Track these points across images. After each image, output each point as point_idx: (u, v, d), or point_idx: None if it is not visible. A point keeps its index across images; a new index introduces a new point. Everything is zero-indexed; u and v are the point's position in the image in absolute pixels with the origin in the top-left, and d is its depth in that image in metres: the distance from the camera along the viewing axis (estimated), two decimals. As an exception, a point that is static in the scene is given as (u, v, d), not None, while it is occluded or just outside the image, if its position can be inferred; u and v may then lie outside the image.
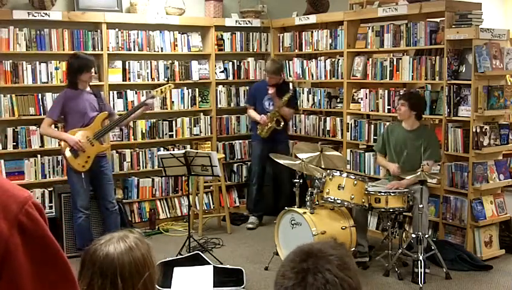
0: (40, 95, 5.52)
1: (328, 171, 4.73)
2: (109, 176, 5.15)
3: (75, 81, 4.88)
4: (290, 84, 5.98)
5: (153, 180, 6.18)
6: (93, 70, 4.95)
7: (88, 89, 4.99)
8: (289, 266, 1.25)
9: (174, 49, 6.24)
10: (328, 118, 6.31)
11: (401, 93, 5.23)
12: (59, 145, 5.46)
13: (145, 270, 1.64)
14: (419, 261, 4.36)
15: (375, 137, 5.66)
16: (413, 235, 4.59)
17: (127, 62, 5.97)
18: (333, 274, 1.21)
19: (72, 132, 4.84)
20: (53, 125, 5.11)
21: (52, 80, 5.57)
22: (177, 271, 3.98)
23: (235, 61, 6.71)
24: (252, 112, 6.14)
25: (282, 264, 1.29)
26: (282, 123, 5.91)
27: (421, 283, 4.28)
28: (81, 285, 1.62)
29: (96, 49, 5.71)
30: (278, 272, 1.27)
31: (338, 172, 4.73)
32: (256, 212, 6.20)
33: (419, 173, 4.46)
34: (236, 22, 6.61)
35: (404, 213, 4.91)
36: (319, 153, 4.91)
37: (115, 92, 5.90)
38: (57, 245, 1.14)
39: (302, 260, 1.25)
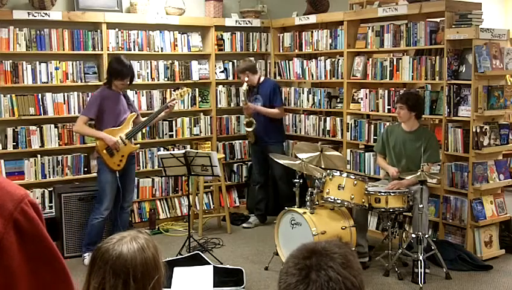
0: (40, 95, 5.52)
1: (328, 171, 4.73)
2: (134, 176, 5.29)
3: (111, 83, 4.94)
4: (245, 83, 5.91)
5: (153, 180, 6.18)
6: (126, 80, 4.96)
7: (120, 91, 5.07)
8: (292, 262, 1.26)
9: (174, 49, 6.24)
10: (328, 118, 6.31)
11: (399, 95, 5.17)
12: (65, 145, 5.47)
13: (155, 271, 1.65)
14: (419, 261, 4.36)
15: (375, 137, 5.66)
16: (413, 235, 4.59)
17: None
18: (336, 272, 1.21)
19: (106, 132, 4.90)
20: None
21: (52, 80, 5.57)
22: (177, 271, 3.98)
23: (235, 61, 6.71)
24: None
25: (286, 261, 1.29)
26: (254, 126, 5.92)
27: (421, 283, 4.28)
28: (93, 283, 1.62)
29: (96, 49, 5.71)
30: (282, 269, 1.28)
31: (338, 172, 4.73)
32: (256, 212, 6.21)
33: (419, 173, 4.46)
34: (236, 22, 6.61)
35: (404, 213, 4.92)
36: (319, 153, 4.91)
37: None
38: (53, 244, 1.13)
39: (305, 257, 1.25)
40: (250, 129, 5.96)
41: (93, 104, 4.94)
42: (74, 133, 5.63)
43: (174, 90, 5.48)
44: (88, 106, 5.03)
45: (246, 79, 5.90)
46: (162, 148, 6.20)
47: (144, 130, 6.07)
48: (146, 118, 5.19)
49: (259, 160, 6.07)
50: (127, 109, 5.08)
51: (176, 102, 5.41)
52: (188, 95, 6.10)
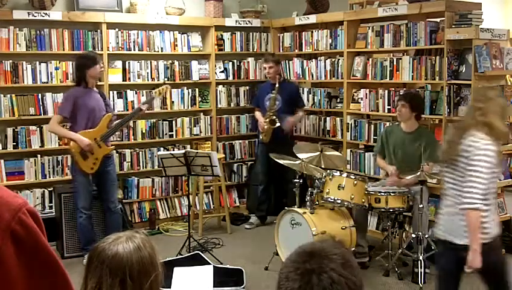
0: (40, 95, 5.52)
1: (328, 171, 4.73)
2: (113, 177, 5.17)
3: (84, 78, 4.87)
4: (276, 85, 5.85)
5: (153, 180, 6.18)
6: (101, 63, 4.99)
7: (95, 89, 5.01)
8: (292, 267, 1.24)
9: (174, 49, 6.24)
10: (328, 118, 6.31)
11: (401, 94, 5.18)
12: (65, 144, 5.45)
13: (152, 270, 1.66)
14: (419, 261, 4.36)
15: (375, 137, 5.66)
16: (413, 235, 4.59)
17: (127, 62, 5.97)
18: (338, 273, 1.21)
19: (81, 134, 4.84)
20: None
21: (52, 80, 5.57)
22: (177, 271, 3.98)
23: (235, 61, 6.71)
24: (257, 114, 6.17)
25: (284, 266, 1.27)
26: (278, 124, 5.83)
27: (421, 283, 4.28)
28: (90, 283, 1.63)
29: (96, 49, 5.71)
30: (281, 275, 1.26)
31: (338, 172, 4.73)
32: (258, 213, 6.20)
33: (419, 173, 4.46)
34: (236, 22, 6.61)
35: (404, 213, 4.91)
36: (319, 153, 4.91)
37: (115, 92, 5.90)
38: (53, 253, 1.11)
39: (305, 260, 1.24)
40: (274, 126, 5.88)
41: (67, 102, 4.85)
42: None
43: (152, 89, 5.31)
44: (62, 104, 4.94)
45: (267, 71, 5.96)
46: (162, 148, 6.20)
47: (143, 130, 6.08)
48: (120, 120, 5.11)
49: (268, 160, 5.93)
50: (103, 108, 4.99)
51: (148, 107, 5.31)
52: (165, 92, 5.64)
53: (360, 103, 5.95)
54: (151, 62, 6.10)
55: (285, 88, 5.95)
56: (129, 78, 5.98)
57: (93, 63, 4.86)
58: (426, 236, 4.52)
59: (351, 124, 5.99)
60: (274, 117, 5.83)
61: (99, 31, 5.74)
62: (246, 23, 6.69)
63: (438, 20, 5.24)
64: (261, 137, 5.98)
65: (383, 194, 4.62)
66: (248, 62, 6.79)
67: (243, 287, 4.37)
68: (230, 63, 6.69)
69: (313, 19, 6.33)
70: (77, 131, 4.85)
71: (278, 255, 4.69)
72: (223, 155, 6.40)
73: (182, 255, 4.92)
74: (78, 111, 4.84)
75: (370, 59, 5.85)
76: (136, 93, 6.03)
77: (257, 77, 6.82)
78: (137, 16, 5.94)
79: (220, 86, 6.61)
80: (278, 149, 5.53)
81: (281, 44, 6.87)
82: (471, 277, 4.61)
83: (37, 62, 5.51)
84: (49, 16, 5.44)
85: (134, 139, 6.04)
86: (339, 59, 6.12)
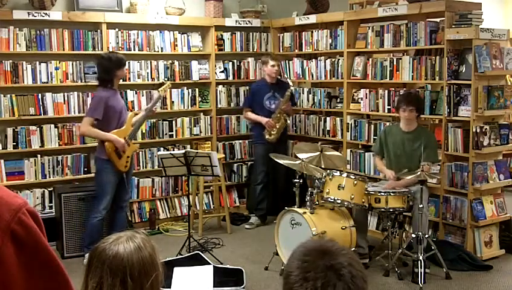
0: (40, 95, 5.52)
1: (328, 171, 4.73)
2: (131, 175, 5.31)
3: (112, 79, 4.89)
4: (289, 81, 6.05)
5: (153, 180, 6.17)
6: (126, 66, 5.12)
7: (117, 89, 5.07)
8: (309, 267, 1.24)
9: (174, 49, 6.24)
10: (328, 118, 6.31)
11: (403, 97, 5.01)
12: (64, 144, 5.45)
13: (152, 270, 1.66)
14: (419, 261, 4.36)
15: (375, 137, 5.65)
16: (413, 235, 4.59)
17: (127, 62, 5.95)
18: (355, 268, 1.23)
19: (113, 133, 4.89)
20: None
21: (52, 80, 5.57)
22: (177, 271, 3.98)
23: (235, 61, 6.71)
24: (252, 115, 6.15)
25: (295, 267, 1.26)
26: (288, 120, 6.02)
27: (421, 283, 4.28)
28: (91, 283, 1.63)
29: (96, 49, 5.71)
30: (294, 277, 1.24)
31: (338, 172, 4.73)
32: (258, 212, 6.20)
33: (419, 173, 4.46)
34: (236, 22, 6.61)
35: (404, 213, 4.91)
36: (319, 153, 4.91)
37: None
38: (53, 254, 1.11)
39: (319, 258, 1.24)
40: (289, 122, 6.00)
41: (99, 104, 4.82)
42: (74, 133, 5.63)
43: (157, 88, 5.38)
44: (93, 106, 4.87)
45: (276, 69, 6.01)
46: (162, 148, 6.20)
47: (143, 130, 6.09)
48: (138, 119, 5.17)
49: (269, 159, 5.99)
50: (126, 108, 5.11)
51: (158, 106, 5.49)
52: (169, 88, 5.77)
53: (360, 103, 5.95)
54: (151, 62, 6.10)
55: (283, 87, 6.02)
56: (129, 78, 5.98)
57: (122, 64, 4.94)
58: (426, 236, 4.52)
59: (351, 124, 5.99)
60: (285, 116, 5.98)
61: (99, 31, 5.74)
62: (246, 23, 6.69)
63: (438, 20, 5.24)
64: (267, 136, 5.98)
65: (383, 194, 4.62)
66: (248, 62, 6.78)
67: (243, 287, 4.36)
68: (230, 63, 6.69)
69: (313, 19, 6.33)
70: (108, 132, 4.88)
71: (278, 255, 4.69)
72: (223, 155, 6.40)
73: (182, 255, 4.92)
74: (108, 112, 4.86)
75: (370, 59, 5.85)
76: (136, 93, 6.03)
77: (257, 77, 6.81)
78: (137, 16, 5.94)
79: (220, 86, 6.61)
80: (278, 148, 5.68)
81: (281, 44, 6.87)
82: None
83: (37, 62, 5.50)
84: (49, 16, 5.43)
85: (134, 139, 6.03)
86: (339, 59, 6.12)
